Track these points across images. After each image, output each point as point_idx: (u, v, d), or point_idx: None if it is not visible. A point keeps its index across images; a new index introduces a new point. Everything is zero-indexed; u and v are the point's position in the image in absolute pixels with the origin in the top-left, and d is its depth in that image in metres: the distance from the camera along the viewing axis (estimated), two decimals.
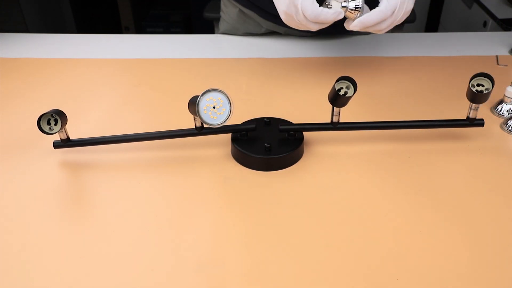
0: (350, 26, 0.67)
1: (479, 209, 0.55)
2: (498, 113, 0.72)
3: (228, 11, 1.00)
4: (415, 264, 0.48)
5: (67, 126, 0.62)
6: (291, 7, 0.65)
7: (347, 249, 0.50)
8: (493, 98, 0.73)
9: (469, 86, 0.59)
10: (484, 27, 1.54)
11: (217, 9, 1.40)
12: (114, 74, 0.86)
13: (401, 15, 0.67)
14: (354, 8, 0.65)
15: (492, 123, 0.71)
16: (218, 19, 1.40)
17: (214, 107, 0.57)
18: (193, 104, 0.56)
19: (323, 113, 0.66)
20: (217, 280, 0.47)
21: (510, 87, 0.71)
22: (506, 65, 0.88)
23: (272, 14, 0.93)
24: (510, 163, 0.63)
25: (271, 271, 0.48)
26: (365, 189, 0.59)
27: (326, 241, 0.51)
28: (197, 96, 0.56)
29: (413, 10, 1.40)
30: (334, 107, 0.61)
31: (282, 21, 0.94)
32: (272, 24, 0.96)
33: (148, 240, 0.51)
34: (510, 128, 0.69)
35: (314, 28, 0.67)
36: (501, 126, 0.70)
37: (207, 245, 0.51)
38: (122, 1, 2.43)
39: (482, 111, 0.73)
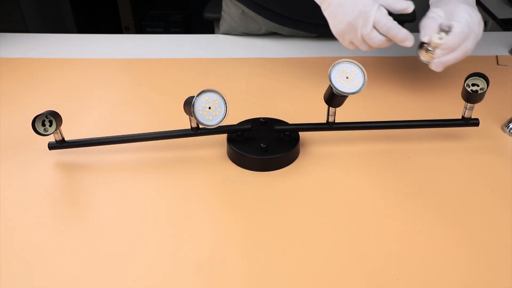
0: (436, 58, 0.65)
1: (480, 209, 0.55)
2: (509, 132, 0.68)
3: (230, 11, 1.00)
4: (415, 264, 0.48)
5: (66, 127, 0.62)
6: (359, 18, 0.63)
7: (346, 248, 0.50)
8: (505, 115, 0.71)
9: (464, 86, 0.60)
10: (484, 27, 1.54)
11: (217, 9, 1.40)
12: (114, 74, 0.86)
13: (478, 28, 0.65)
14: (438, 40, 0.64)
15: (503, 138, 0.68)
16: (218, 19, 1.40)
17: (209, 108, 0.57)
18: (189, 105, 0.56)
19: (324, 113, 0.66)
20: (217, 280, 0.47)
21: None
22: (506, 65, 0.88)
23: (279, 15, 0.93)
24: (510, 165, 0.63)
25: (269, 270, 0.48)
26: (362, 189, 0.59)
27: (324, 241, 0.51)
28: (193, 97, 0.56)
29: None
30: (330, 107, 0.61)
31: (289, 23, 0.94)
32: (276, 26, 0.96)
33: (147, 240, 0.51)
34: (511, 130, 0.68)
35: (376, 42, 0.65)
36: (502, 128, 0.70)
37: (206, 245, 0.51)
38: (122, 1, 2.43)
39: (493, 128, 0.70)
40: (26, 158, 0.63)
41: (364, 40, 0.66)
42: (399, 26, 0.64)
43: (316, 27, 0.94)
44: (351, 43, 0.68)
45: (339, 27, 0.67)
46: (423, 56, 0.67)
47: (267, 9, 0.94)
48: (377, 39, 0.65)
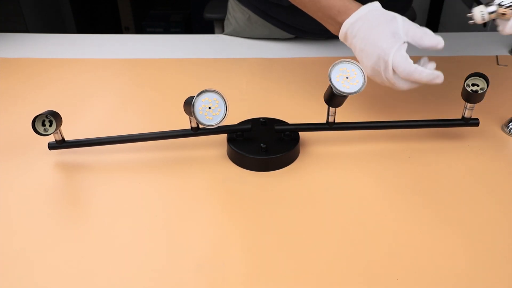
0: (506, 29, 0.58)
1: (479, 209, 0.55)
2: (509, 132, 0.68)
3: (236, 15, 1.00)
4: (415, 264, 0.48)
5: (65, 126, 0.62)
6: (380, 62, 0.59)
7: (346, 248, 0.50)
8: (505, 115, 0.71)
9: (464, 86, 0.59)
10: (484, 27, 1.54)
11: (217, 9, 1.40)
12: (114, 74, 0.86)
13: None
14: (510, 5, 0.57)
15: (503, 139, 0.68)
16: (218, 19, 1.41)
17: (209, 108, 0.57)
18: (189, 105, 0.56)
19: (324, 113, 0.66)
20: (217, 280, 0.47)
21: None
22: (506, 65, 0.88)
23: (285, 24, 0.93)
24: (510, 165, 0.63)
25: (270, 270, 0.48)
26: (362, 189, 0.59)
27: (324, 240, 0.51)
28: (193, 97, 0.56)
29: (412, 9, 1.41)
30: (330, 107, 0.61)
31: (296, 31, 0.94)
32: (283, 33, 0.96)
33: (147, 240, 0.51)
34: (510, 130, 0.68)
35: (404, 86, 0.60)
36: (502, 128, 0.70)
37: (206, 245, 0.51)
38: (122, 1, 2.43)
39: (493, 128, 0.70)
40: (26, 158, 0.63)
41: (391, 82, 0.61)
42: (421, 69, 0.58)
43: (323, 36, 0.94)
44: (384, 84, 0.64)
45: (366, 71, 0.62)
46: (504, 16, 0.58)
47: (274, 18, 0.93)
48: (401, 84, 0.60)
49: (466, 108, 0.62)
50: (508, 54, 0.92)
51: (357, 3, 0.64)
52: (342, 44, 0.68)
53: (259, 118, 0.67)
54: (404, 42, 0.59)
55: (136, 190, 0.58)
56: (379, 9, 0.62)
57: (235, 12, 1.00)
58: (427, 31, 0.60)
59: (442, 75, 0.59)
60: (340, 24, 0.64)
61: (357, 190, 0.58)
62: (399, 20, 0.60)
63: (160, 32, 2.46)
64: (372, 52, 0.60)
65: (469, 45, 0.96)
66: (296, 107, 0.75)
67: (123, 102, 0.77)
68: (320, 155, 0.64)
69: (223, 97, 0.57)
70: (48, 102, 0.76)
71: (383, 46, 0.59)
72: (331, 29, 0.67)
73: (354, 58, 0.58)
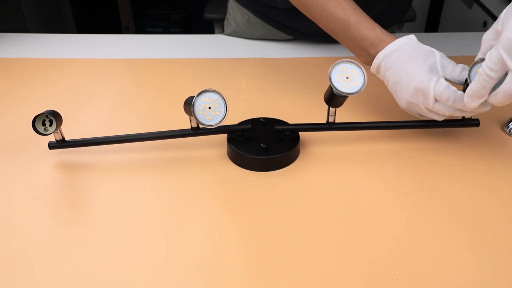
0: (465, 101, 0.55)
1: (479, 209, 0.55)
2: (509, 132, 0.68)
3: (236, 16, 1.00)
4: (415, 264, 0.48)
5: (66, 127, 0.62)
6: (418, 95, 0.58)
7: (346, 249, 0.50)
8: (505, 115, 0.71)
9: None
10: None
11: (217, 9, 1.41)
12: (113, 74, 0.86)
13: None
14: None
15: (503, 139, 0.70)
16: (218, 19, 1.41)
17: (209, 108, 0.57)
18: (189, 105, 0.56)
19: (324, 113, 0.66)
20: (217, 280, 0.47)
21: None
22: None
23: (284, 26, 0.93)
24: (510, 165, 0.63)
25: (269, 270, 0.48)
26: (362, 189, 0.59)
27: (324, 241, 0.51)
28: (193, 97, 0.56)
29: (412, 9, 1.41)
30: (330, 107, 0.61)
31: (295, 33, 0.94)
32: (282, 34, 0.96)
33: (147, 240, 0.51)
34: (510, 130, 0.69)
35: (446, 113, 0.59)
36: (502, 128, 0.70)
37: (207, 245, 0.51)
38: (122, 1, 2.43)
39: (493, 128, 0.70)
40: (26, 158, 0.63)
41: (432, 111, 0.60)
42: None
43: (322, 38, 0.95)
44: (421, 115, 0.62)
45: (401, 104, 0.62)
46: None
47: (273, 20, 0.93)
48: (445, 110, 0.58)
49: None
50: None
51: (391, 35, 0.62)
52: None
53: (259, 118, 0.67)
54: (441, 77, 0.58)
55: (136, 190, 0.58)
56: (415, 42, 0.61)
57: (235, 13, 1.00)
58: (465, 67, 0.59)
59: (489, 105, 0.57)
60: (372, 56, 0.62)
61: (357, 190, 0.58)
62: (437, 55, 0.59)
63: (160, 32, 2.46)
64: (408, 84, 0.58)
65: (469, 45, 0.96)
66: (296, 107, 0.75)
67: (123, 102, 0.77)
68: (320, 155, 0.64)
69: (223, 97, 0.57)
70: (48, 102, 0.76)
71: (421, 78, 0.57)
72: (362, 60, 0.65)
73: (354, 58, 0.58)
